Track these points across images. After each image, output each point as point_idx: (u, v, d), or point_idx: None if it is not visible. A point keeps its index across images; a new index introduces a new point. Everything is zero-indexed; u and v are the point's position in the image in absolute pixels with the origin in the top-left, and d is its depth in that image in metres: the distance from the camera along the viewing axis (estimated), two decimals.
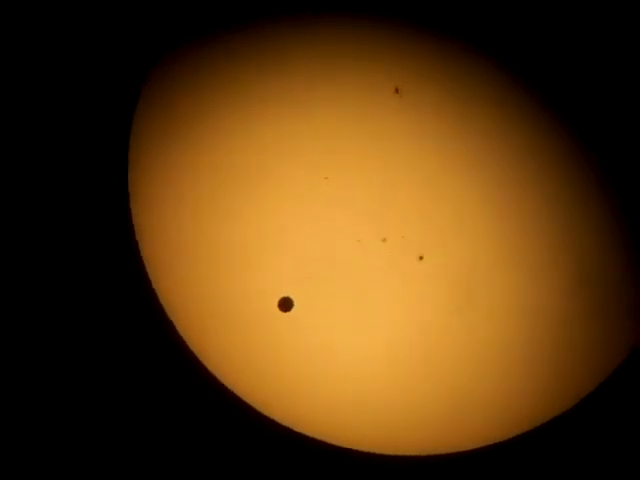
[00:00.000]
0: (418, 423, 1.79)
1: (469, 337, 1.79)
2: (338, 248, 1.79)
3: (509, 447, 1.76)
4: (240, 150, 1.79)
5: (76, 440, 1.77)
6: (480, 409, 1.79)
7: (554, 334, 1.81)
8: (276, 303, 1.78)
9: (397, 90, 1.80)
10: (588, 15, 1.81)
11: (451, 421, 1.79)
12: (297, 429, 1.75)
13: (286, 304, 1.78)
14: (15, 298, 1.75)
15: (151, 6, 1.74)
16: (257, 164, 1.79)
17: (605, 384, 1.78)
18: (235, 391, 1.76)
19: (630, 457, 1.79)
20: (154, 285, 1.75)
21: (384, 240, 1.80)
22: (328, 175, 1.79)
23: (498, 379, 1.80)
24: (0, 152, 1.73)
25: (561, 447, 1.79)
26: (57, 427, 1.77)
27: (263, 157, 1.79)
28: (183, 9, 1.78)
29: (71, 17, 1.73)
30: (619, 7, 1.80)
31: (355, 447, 1.76)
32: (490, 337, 1.79)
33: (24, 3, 1.72)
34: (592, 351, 1.81)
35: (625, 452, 1.79)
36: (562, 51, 1.82)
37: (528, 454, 1.78)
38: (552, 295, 1.81)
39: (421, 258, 1.80)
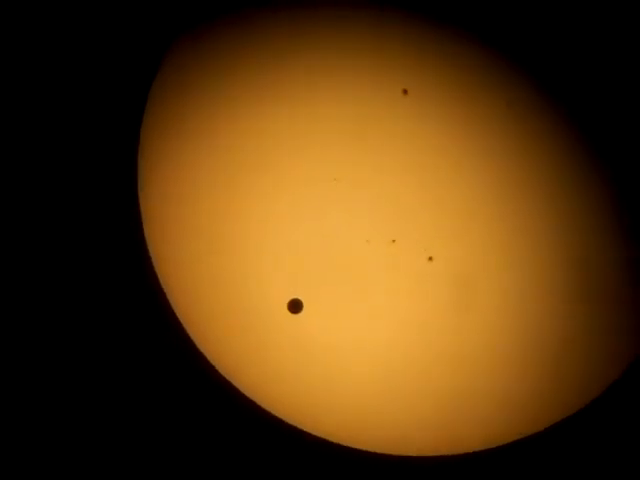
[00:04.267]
0: (421, 424, 1.78)
1: (477, 338, 1.78)
2: (347, 249, 1.78)
3: (508, 451, 1.75)
4: (249, 150, 1.79)
5: (84, 439, 1.77)
6: (481, 412, 1.78)
7: (557, 338, 1.80)
8: (285, 305, 1.78)
9: (405, 91, 1.81)
10: (604, 17, 1.81)
11: (452, 422, 1.78)
12: (302, 427, 1.75)
13: (295, 306, 1.78)
14: (25, 298, 1.75)
15: None
16: (267, 164, 1.79)
17: (610, 389, 1.77)
18: (250, 396, 1.75)
19: (627, 468, 1.77)
20: (163, 285, 1.75)
21: (394, 241, 1.79)
22: (337, 176, 1.79)
23: (503, 381, 1.79)
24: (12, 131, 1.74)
25: (560, 453, 1.77)
26: (68, 426, 1.77)
27: (273, 157, 1.79)
28: None
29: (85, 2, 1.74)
30: (631, 3, 1.80)
31: (358, 446, 1.75)
32: (494, 339, 1.79)
33: None
34: (597, 353, 1.80)
35: (623, 462, 1.77)
36: (576, 53, 1.82)
37: (526, 458, 1.76)
38: (557, 297, 1.80)
39: (430, 259, 1.79)
